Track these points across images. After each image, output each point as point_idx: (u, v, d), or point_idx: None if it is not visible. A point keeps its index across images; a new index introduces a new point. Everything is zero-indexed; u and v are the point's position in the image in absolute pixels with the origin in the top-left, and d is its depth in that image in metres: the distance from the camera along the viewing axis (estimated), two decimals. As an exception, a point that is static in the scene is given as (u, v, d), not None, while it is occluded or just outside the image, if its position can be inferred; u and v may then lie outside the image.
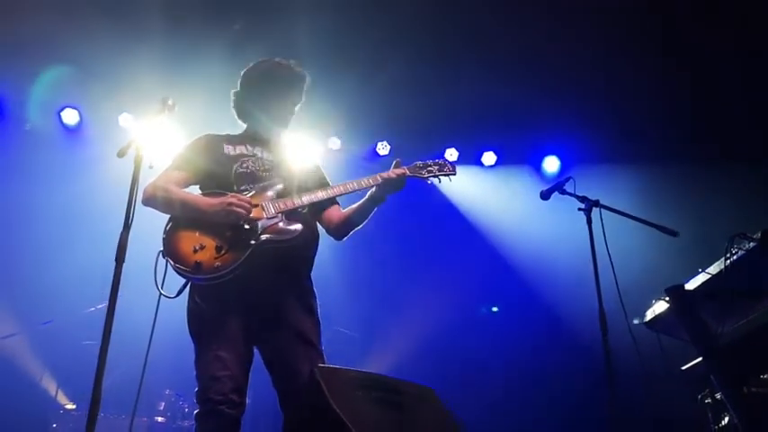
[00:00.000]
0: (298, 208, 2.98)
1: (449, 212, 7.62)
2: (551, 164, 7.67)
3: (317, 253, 3.15)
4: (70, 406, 5.69)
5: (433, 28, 6.16)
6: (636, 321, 3.38)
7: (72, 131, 6.91)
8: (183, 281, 2.89)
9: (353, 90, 6.51)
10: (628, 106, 6.83)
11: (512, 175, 7.63)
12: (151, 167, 2.73)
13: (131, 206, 2.58)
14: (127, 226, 2.56)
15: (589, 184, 3.79)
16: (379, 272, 7.35)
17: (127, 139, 6.42)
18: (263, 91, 3.21)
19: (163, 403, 5.65)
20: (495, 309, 7.56)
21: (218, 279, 2.78)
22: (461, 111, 7.08)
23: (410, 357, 6.83)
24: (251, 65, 3.31)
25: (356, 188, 3.07)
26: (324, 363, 2.81)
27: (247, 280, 2.80)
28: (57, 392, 5.75)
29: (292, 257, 2.94)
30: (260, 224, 2.86)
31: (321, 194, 3.04)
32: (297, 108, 3.31)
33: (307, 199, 3.00)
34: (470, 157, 7.63)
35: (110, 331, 2.42)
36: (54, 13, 5.76)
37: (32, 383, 5.98)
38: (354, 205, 3.15)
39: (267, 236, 2.84)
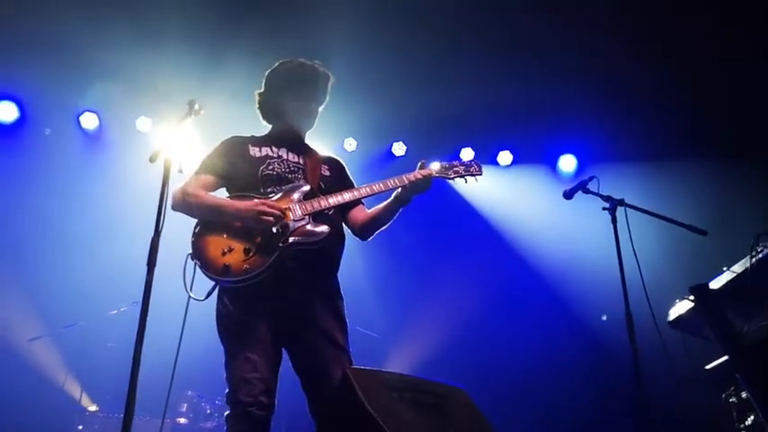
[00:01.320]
0: (324, 210, 3.00)
1: (465, 212, 7.61)
2: (568, 163, 7.65)
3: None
4: (93, 408, 5.74)
5: (448, 28, 6.15)
6: (604, 318, 3.33)
7: (91, 135, 6.97)
8: (212, 283, 2.92)
9: (369, 91, 6.52)
10: (645, 104, 6.78)
11: (528, 175, 7.60)
12: (180, 171, 2.75)
13: (162, 211, 2.60)
14: (157, 231, 2.59)
15: (606, 183, 3.78)
16: (396, 271, 7.36)
17: (145, 142, 6.58)
18: (287, 92, 3.22)
19: (185, 404, 5.69)
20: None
21: (247, 282, 2.80)
22: (477, 110, 7.07)
23: (431, 357, 6.85)
24: (275, 65, 3.32)
25: (382, 189, 3.08)
26: (352, 365, 2.83)
27: (275, 282, 2.82)
28: (81, 395, 5.80)
29: (319, 259, 2.95)
30: (287, 226, 2.87)
31: (347, 196, 3.05)
32: (321, 108, 3.33)
33: (333, 200, 3.01)
34: (486, 157, 7.62)
35: (143, 335, 2.44)
36: (73, 17, 5.81)
37: (57, 386, 6.04)
38: (379, 206, 3.15)
39: (294, 238, 2.85)
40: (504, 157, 7.66)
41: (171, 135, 2.77)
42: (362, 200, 3.23)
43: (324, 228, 2.91)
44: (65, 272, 6.40)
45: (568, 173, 7.60)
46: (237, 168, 3.07)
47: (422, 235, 7.16)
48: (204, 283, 2.92)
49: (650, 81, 6.49)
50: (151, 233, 2.57)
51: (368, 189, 3.09)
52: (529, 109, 7.01)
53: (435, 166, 3.16)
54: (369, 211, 3.21)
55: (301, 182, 3.06)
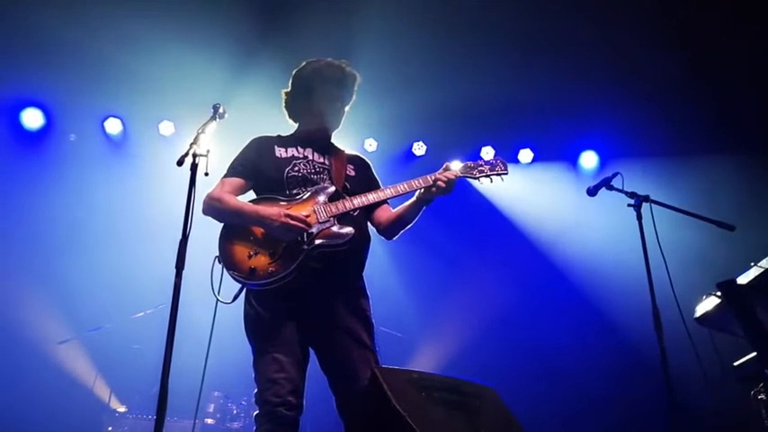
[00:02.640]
0: (349, 211, 3.01)
1: (487, 210, 7.57)
2: (589, 159, 7.60)
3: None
4: (122, 409, 5.81)
5: (468, 27, 6.14)
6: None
7: (115, 140, 7.05)
8: (238, 286, 2.95)
9: (389, 91, 6.52)
10: (667, 98, 6.71)
11: (549, 172, 7.55)
12: (206, 175, 2.78)
13: (189, 214, 2.64)
14: (185, 234, 2.62)
15: (628, 179, 3.74)
16: (420, 271, 7.35)
17: (168, 146, 6.64)
18: (313, 91, 3.24)
19: (212, 405, 5.74)
20: None
21: (272, 284, 2.83)
22: (497, 108, 7.04)
23: (456, 356, 6.84)
24: (302, 65, 3.34)
25: (407, 190, 3.07)
26: (379, 364, 2.84)
27: (300, 284, 2.85)
28: (110, 396, 5.87)
29: (344, 261, 2.97)
30: (312, 229, 2.89)
31: (372, 197, 3.06)
32: (347, 108, 3.33)
33: (358, 202, 3.02)
34: (507, 155, 7.55)
35: (173, 337, 2.47)
36: (98, 23, 5.89)
37: (86, 387, 6.11)
38: (403, 206, 3.16)
39: (319, 241, 2.88)
40: (525, 155, 7.63)
41: (197, 139, 2.80)
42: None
43: (348, 230, 2.92)
44: (91, 275, 6.48)
45: (590, 169, 7.55)
46: (263, 170, 3.10)
47: (445, 234, 7.14)
48: (230, 286, 2.95)
49: (672, 75, 6.42)
50: (176, 236, 2.61)
51: (392, 190, 3.10)
52: (548, 106, 6.98)
53: (458, 166, 3.14)
54: (393, 210, 3.21)
55: (326, 183, 3.07)
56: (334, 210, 2.97)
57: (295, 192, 3.03)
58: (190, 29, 5.93)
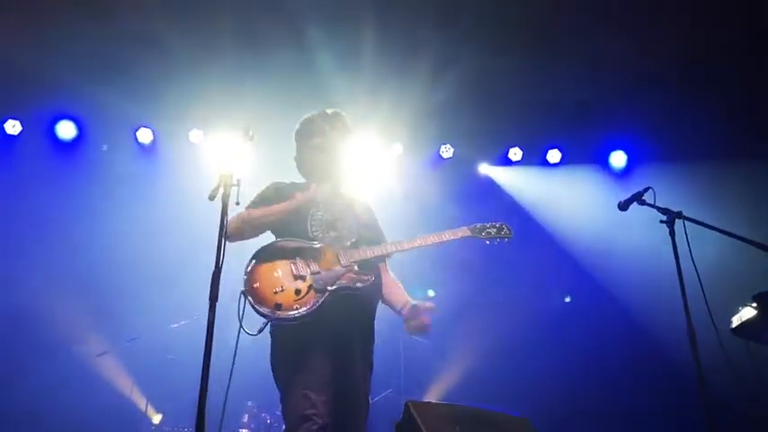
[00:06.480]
0: (370, 258, 3.20)
1: (514, 212, 7.51)
2: (618, 159, 7.51)
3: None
4: (157, 420, 5.89)
5: (495, 28, 6.10)
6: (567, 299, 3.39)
7: (146, 149, 7.17)
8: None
9: (415, 94, 6.51)
10: (697, 97, 6.60)
11: (578, 173, 7.48)
12: (238, 204, 2.81)
13: (221, 246, 2.66)
14: (218, 266, 2.64)
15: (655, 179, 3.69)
16: (445, 275, 7.31)
17: (197, 154, 6.70)
18: (299, 150, 3.48)
19: (246, 415, 5.77)
20: (567, 299, 7.46)
21: (296, 321, 2.96)
22: (525, 109, 7.01)
23: (484, 363, 6.79)
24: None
25: (420, 245, 3.29)
26: (368, 403, 3.09)
27: (323, 323, 2.99)
28: (146, 407, 5.97)
29: (363, 303, 3.16)
30: (336, 272, 3.09)
31: (390, 249, 3.28)
32: (351, 150, 3.47)
33: (378, 251, 3.25)
34: (535, 156, 7.55)
35: (208, 366, 2.49)
36: (129, 36, 5.98)
37: (123, 398, 6.23)
38: (393, 297, 3.35)
39: (341, 283, 3.07)
40: (553, 155, 7.56)
41: (227, 167, 2.81)
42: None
43: (369, 275, 3.15)
44: (125, 284, 6.59)
45: (619, 168, 7.48)
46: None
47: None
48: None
49: (703, 74, 6.31)
50: (211, 242, 2.64)
51: (408, 244, 3.29)
52: (576, 106, 6.92)
53: (469, 229, 3.39)
54: (392, 282, 3.42)
55: (348, 231, 3.26)
56: (356, 256, 3.17)
57: (318, 234, 3.20)
58: (219, 39, 5.99)
